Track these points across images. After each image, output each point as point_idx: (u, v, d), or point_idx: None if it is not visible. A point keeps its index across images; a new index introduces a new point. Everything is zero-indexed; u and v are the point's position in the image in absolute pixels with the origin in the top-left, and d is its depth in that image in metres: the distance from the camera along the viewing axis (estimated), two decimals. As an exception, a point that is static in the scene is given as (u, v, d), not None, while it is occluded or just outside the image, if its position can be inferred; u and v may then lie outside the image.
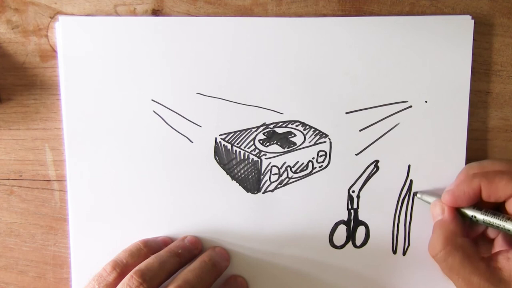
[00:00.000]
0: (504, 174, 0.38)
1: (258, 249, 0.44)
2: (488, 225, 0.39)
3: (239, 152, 0.43)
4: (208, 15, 0.43)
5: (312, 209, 0.44)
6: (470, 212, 0.40)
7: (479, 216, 0.39)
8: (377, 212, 0.44)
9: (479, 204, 0.40)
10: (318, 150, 0.43)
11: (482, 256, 0.38)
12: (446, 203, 0.40)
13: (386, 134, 0.43)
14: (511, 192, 0.38)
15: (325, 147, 0.43)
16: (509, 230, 0.38)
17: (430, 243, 0.40)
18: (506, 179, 0.38)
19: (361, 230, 0.44)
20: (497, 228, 0.39)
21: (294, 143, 0.43)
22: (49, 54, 0.43)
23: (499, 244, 0.41)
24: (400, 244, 0.44)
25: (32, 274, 0.45)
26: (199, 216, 0.44)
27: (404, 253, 0.44)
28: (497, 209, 0.40)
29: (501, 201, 0.39)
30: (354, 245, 0.44)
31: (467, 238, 0.39)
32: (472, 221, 0.40)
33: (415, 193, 0.43)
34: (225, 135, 0.43)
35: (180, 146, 0.43)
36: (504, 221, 0.38)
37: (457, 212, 0.40)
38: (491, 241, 0.42)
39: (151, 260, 0.39)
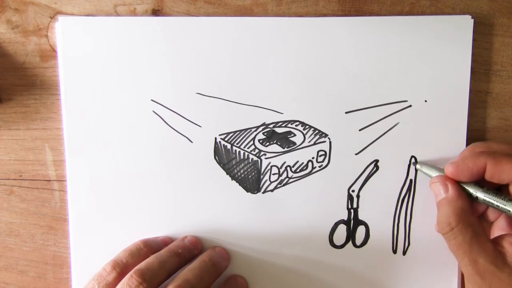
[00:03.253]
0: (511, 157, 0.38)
1: (258, 249, 0.44)
2: (488, 204, 0.39)
3: (239, 152, 0.43)
4: (208, 15, 0.43)
5: (312, 208, 0.44)
6: (471, 189, 0.40)
7: (480, 194, 0.39)
8: (377, 211, 0.44)
9: (480, 183, 0.40)
10: (317, 150, 0.43)
11: (488, 238, 0.38)
12: (448, 174, 0.40)
13: (386, 134, 0.43)
14: None
15: (324, 146, 0.43)
16: (509, 211, 0.38)
17: (439, 221, 0.39)
18: None
19: (361, 230, 0.44)
20: (497, 208, 0.38)
21: (294, 143, 0.43)
22: (49, 54, 0.43)
23: (499, 227, 0.41)
24: (400, 244, 0.44)
25: (32, 274, 0.45)
26: (199, 216, 0.44)
27: (404, 253, 0.44)
28: (497, 191, 0.39)
29: (503, 184, 0.39)
30: (354, 245, 0.44)
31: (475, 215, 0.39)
32: (472, 198, 0.40)
33: (414, 163, 0.43)
34: (225, 135, 0.43)
35: (180, 146, 0.43)
36: (506, 201, 0.38)
37: (461, 188, 0.40)
38: (490, 224, 0.42)
39: (151, 259, 0.39)
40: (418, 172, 0.43)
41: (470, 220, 0.38)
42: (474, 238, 0.37)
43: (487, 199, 0.39)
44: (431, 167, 0.42)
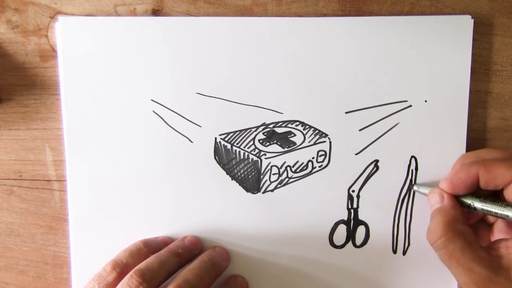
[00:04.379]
0: (502, 162, 0.38)
1: (258, 249, 0.44)
2: (487, 213, 0.39)
3: (239, 152, 0.43)
4: (208, 15, 0.43)
5: (312, 208, 0.44)
6: (468, 200, 0.40)
7: (477, 204, 0.39)
8: (377, 211, 0.44)
9: (477, 192, 0.40)
10: (318, 150, 0.43)
11: (481, 245, 0.38)
12: (444, 187, 0.40)
13: (386, 134, 0.43)
14: (509, 179, 0.37)
15: (325, 146, 0.43)
16: (507, 216, 0.38)
17: (429, 230, 0.39)
18: (504, 166, 0.38)
19: (361, 230, 0.44)
20: (495, 215, 0.38)
21: (294, 143, 0.43)
22: (49, 54, 0.43)
23: (498, 229, 0.41)
24: (400, 244, 0.44)
25: (32, 274, 0.45)
26: (199, 216, 0.44)
27: (404, 253, 0.44)
28: (494, 196, 0.40)
29: (499, 189, 0.39)
30: (354, 245, 0.44)
31: (467, 225, 0.39)
32: (470, 209, 0.40)
33: (411, 186, 0.43)
34: (225, 135, 0.43)
35: (180, 146, 0.43)
36: (503, 207, 0.38)
37: (456, 199, 0.40)
38: (491, 226, 0.42)
39: (151, 260, 0.39)
40: (418, 172, 0.43)
41: (461, 229, 0.38)
42: (466, 246, 0.37)
43: (485, 208, 0.39)
44: (427, 186, 0.42)
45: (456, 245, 0.37)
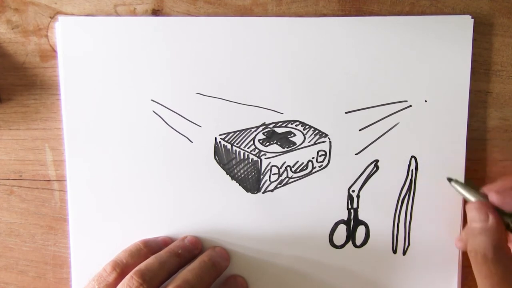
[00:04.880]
0: None
1: (258, 249, 0.44)
2: None
3: (239, 152, 0.43)
4: (208, 15, 0.43)
5: (312, 208, 0.44)
6: (508, 220, 0.39)
7: None
8: (377, 211, 0.44)
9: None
10: (318, 150, 0.43)
11: None
12: (493, 202, 0.39)
13: (386, 134, 0.43)
14: None
15: (325, 146, 0.43)
16: None
17: (473, 249, 0.38)
18: None
19: (361, 230, 0.44)
20: None
21: (294, 143, 0.43)
22: (49, 54, 0.43)
23: None
24: (400, 244, 0.44)
25: (32, 274, 0.45)
26: (199, 216, 0.44)
27: (404, 253, 0.44)
28: None
29: None
30: (354, 245, 0.44)
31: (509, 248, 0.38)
32: (507, 229, 0.39)
33: (449, 179, 0.42)
34: (225, 135, 0.43)
35: (180, 146, 0.43)
36: None
37: (500, 218, 0.39)
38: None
39: (151, 260, 0.39)
40: (419, 172, 0.43)
41: (506, 253, 0.38)
42: (506, 273, 0.37)
43: None
44: (470, 189, 0.41)
45: (498, 270, 0.37)
